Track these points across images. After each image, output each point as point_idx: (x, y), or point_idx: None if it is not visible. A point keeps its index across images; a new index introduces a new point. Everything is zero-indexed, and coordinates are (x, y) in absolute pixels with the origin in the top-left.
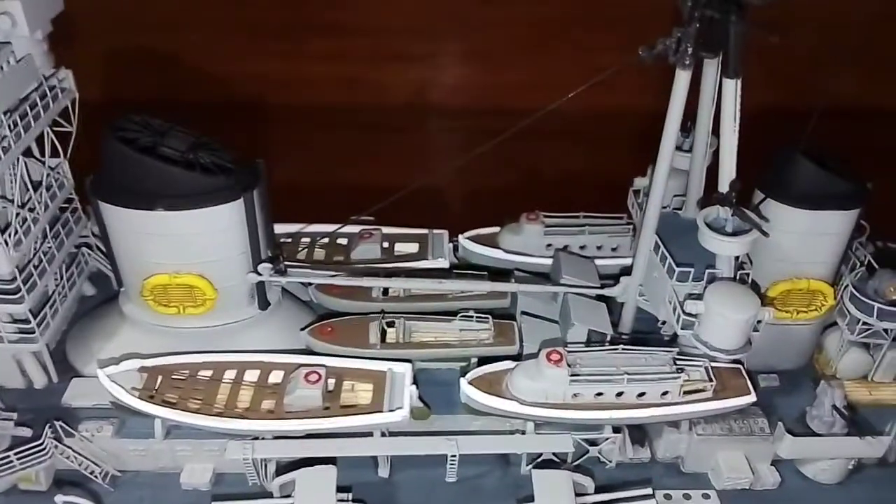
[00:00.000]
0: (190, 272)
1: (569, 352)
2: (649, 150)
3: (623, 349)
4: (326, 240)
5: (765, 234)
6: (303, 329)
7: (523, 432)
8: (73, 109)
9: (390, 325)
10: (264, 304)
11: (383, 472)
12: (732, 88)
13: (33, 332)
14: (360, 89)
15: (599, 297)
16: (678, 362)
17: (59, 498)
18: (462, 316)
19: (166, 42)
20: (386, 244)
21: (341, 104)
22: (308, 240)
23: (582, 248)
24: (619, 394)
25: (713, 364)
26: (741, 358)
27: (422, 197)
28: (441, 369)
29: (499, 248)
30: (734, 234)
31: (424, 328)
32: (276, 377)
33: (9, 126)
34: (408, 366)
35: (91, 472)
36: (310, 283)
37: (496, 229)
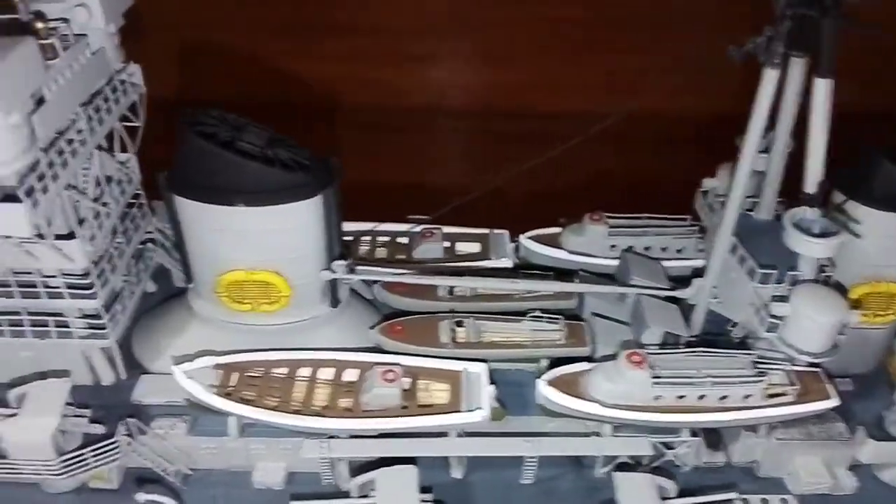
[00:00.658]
0: (266, 269)
1: (647, 353)
2: (707, 152)
3: (703, 352)
4: (387, 238)
5: (857, 235)
6: (372, 327)
7: (599, 434)
8: (142, 104)
9: (459, 324)
10: (335, 301)
11: (457, 472)
12: (824, 89)
13: (105, 328)
14: (375, 89)
15: (668, 299)
16: (759, 365)
17: (140, 496)
18: (532, 316)
19: (187, 40)
20: (447, 243)
21: (358, 104)
22: (368, 238)
23: (646, 249)
24: (702, 397)
25: (793, 367)
26: (826, 362)
27: (476, 198)
28: (511, 370)
29: (561, 248)
30: (821, 235)
31: (494, 328)
32: (350, 375)
33: (85, 119)
34: (483, 366)
35: (163, 470)
36: (376, 281)
37: (557, 230)
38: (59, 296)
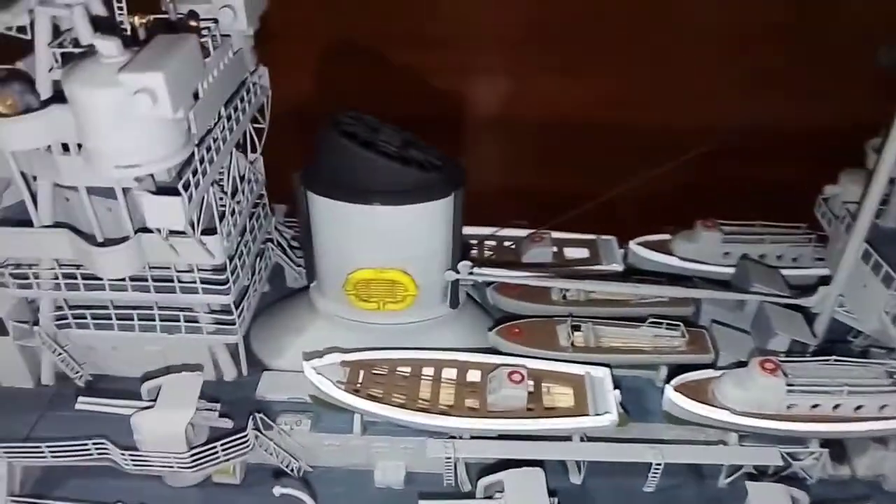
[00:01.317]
0: (394, 268)
1: (780, 361)
2: (815, 159)
3: (836, 360)
4: (493, 242)
5: None
6: (490, 329)
7: (725, 443)
8: (268, 106)
9: (576, 328)
10: (455, 302)
11: (575, 478)
12: None
13: (234, 324)
14: (449, 100)
15: (790, 307)
16: (893, 375)
17: (277, 489)
18: (651, 322)
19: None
20: (555, 248)
21: (434, 115)
22: (475, 243)
23: (761, 257)
24: (837, 406)
25: None
26: None
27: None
28: (628, 376)
29: (672, 254)
30: None
31: (612, 333)
32: (473, 376)
33: (226, 118)
34: (606, 370)
35: (287, 466)
36: (489, 284)
37: (666, 236)
38: (192, 291)
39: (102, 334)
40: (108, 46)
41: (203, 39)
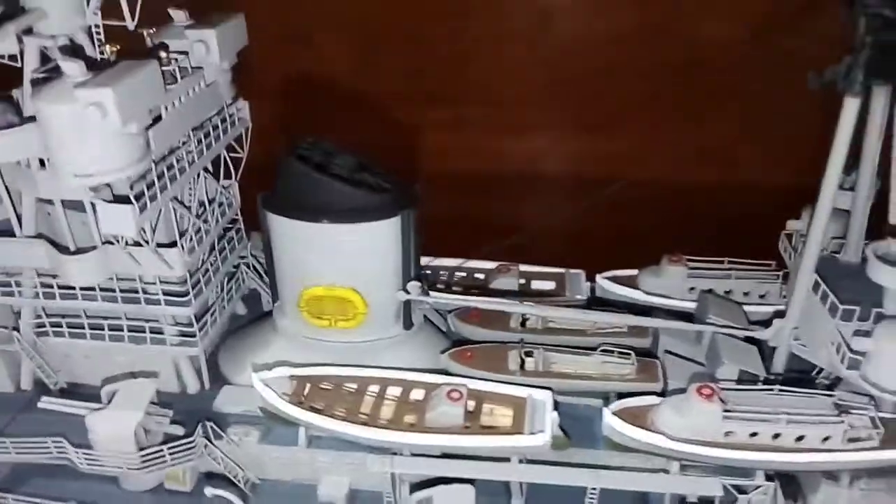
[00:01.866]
0: (344, 286)
1: (720, 388)
2: (793, 194)
3: (780, 390)
4: (464, 274)
5: None
6: (443, 352)
7: (667, 472)
8: (246, 137)
9: (528, 354)
10: (409, 323)
11: (517, 501)
12: None
13: (195, 336)
14: (479, 157)
15: (748, 341)
16: (840, 407)
17: (209, 490)
18: (603, 350)
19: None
20: (523, 281)
21: (462, 171)
22: (445, 272)
23: (727, 293)
24: (776, 436)
25: (880, 414)
26: None
27: (555, 239)
28: (580, 405)
29: (638, 289)
30: None
31: (563, 360)
32: (417, 395)
33: (195, 142)
34: (548, 393)
35: (235, 476)
36: (452, 311)
37: (634, 271)
38: (156, 302)
39: (76, 343)
40: (72, 67)
41: (169, 67)
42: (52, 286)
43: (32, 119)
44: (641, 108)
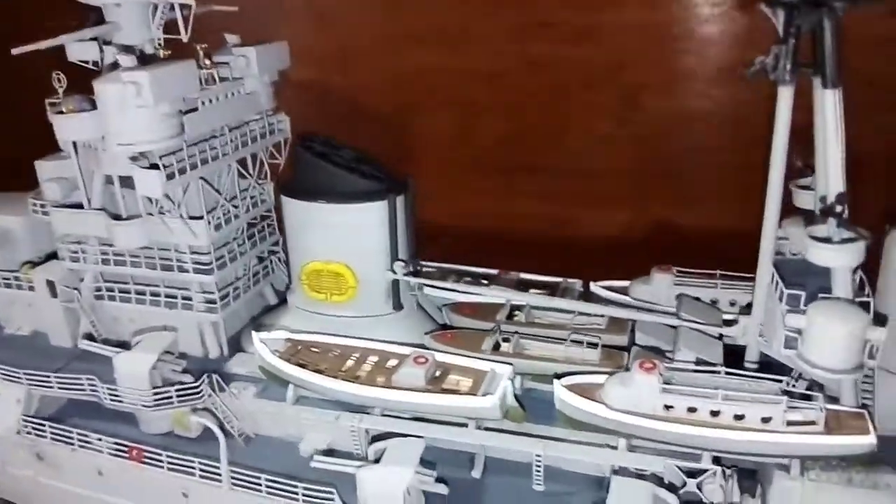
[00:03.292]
0: (338, 261)
1: (667, 367)
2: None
3: (726, 372)
4: (469, 278)
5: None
6: (427, 333)
7: (614, 448)
8: (284, 146)
9: (506, 340)
10: (398, 304)
11: (476, 472)
12: (832, 100)
13: (215, 304)
14: (566, 227)
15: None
16: (788, 393)
17: (194, 418)
18: (573, 340)
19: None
20: (521, 287)
21: (549, 239)
22: (454, 276)
23: (714, 302)
24: (715, 413)
25: (833, 406)
26: (850, 378)
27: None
28: (550, 391)
29: (628, 296)
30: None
31: (534, 346)
32: (392, 362)
33: (230, 138)
34: (509, 367)
35: (230, 425)
36: (446, 304)
37: (627, 282)
38: (186, 271)
39: (123, 306)
40: (126, 59)
41: (210, 71)
42: (108, 254)
43: None
44: (723, 186)
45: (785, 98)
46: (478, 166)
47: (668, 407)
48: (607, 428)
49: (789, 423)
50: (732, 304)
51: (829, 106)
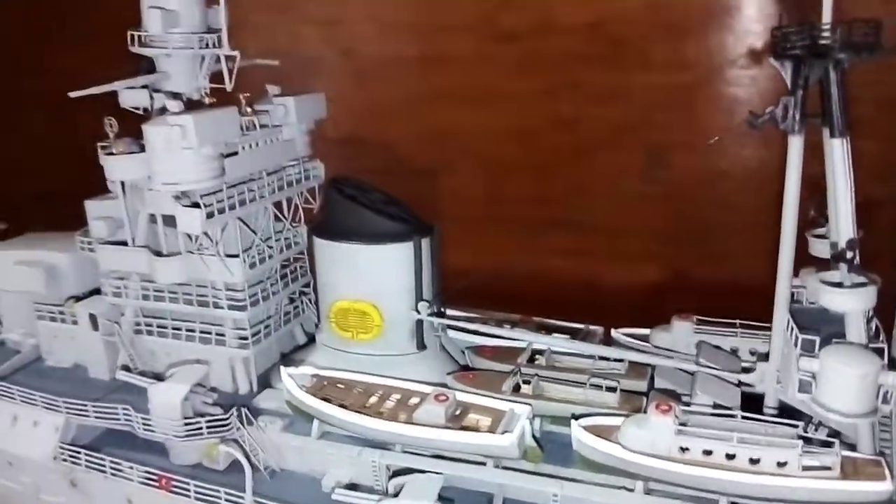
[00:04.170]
0: (365, 300)
1: (684, 410)
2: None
3: (742, 417)
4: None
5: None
6: (449, 373)
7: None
8: (318, 192)
9: (526, 382)
10: (421, 344)
11: None
12: (840, 148)
13: (247, 339)
14: (591, 281)
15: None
16: (804, 438)
17: (222, 447)
18: (592, 384)
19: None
20: (543, 331)
21: (573, 292)
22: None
23: (734, 350)
24: (731, 457)
25: (849, 453)
26: (864, 423)
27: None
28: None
29: (649, 343)
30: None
31: (554, 389)
32: (414, 400)
33: (268, 182)
34: (528, 407)
35: (257, 459)
36: (472, 346)
37: (648, 330)
38: (221, 307)
39: (160, 341)
40: (173, 104)
41: (250, 118)
42: (148, 290)
43: None
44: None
45: (795, 147)
46: (505, 221)
47: (683, 449)
48: (623, 469)
49: (805, 468)
50: (752, 353)
51: (837, 154)
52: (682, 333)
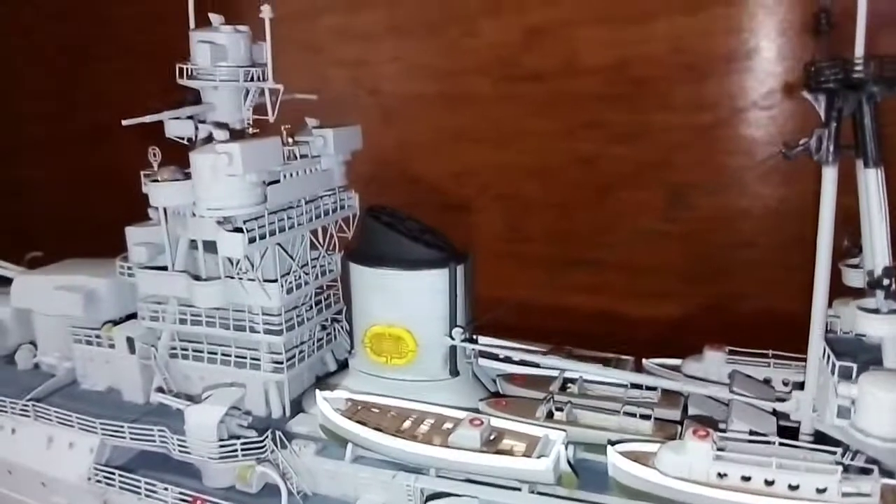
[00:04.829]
0: (400, 325)
1: (721, 437)
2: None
3: (780, 443)
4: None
5: None
6: (481, 400)
7: None
8: (352, 221)
9: (559, 409)
10: (454, 370)
11: None
12: (874, 178)
13: (282, 364)
14: (615, 321)
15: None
16: (843, 465)
17: (259, 468)
18: (625, 412)
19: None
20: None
21: (595, 328)
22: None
23: (766, 380)
24: (770, 483)
25: (889, 481)
26: None
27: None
28: (605, 462)
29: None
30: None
31: (587, 416)
32: (448, 425)
33: (305, 210)
34: (562, 433)
35: (291, 483)
36: (501, 376)
37: (679, 360)
38: (256, 331)
39: (195, 365)
40: (220, 133)
41: (292, 148)
42: (185, 314)
43: None
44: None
45: (829, 178)
46: (526, 259)
47: (721, 475)
48: (660, 495)
49: (845, 495)
50: (785, 383)
51: (871, 184)
52: (714, 363)
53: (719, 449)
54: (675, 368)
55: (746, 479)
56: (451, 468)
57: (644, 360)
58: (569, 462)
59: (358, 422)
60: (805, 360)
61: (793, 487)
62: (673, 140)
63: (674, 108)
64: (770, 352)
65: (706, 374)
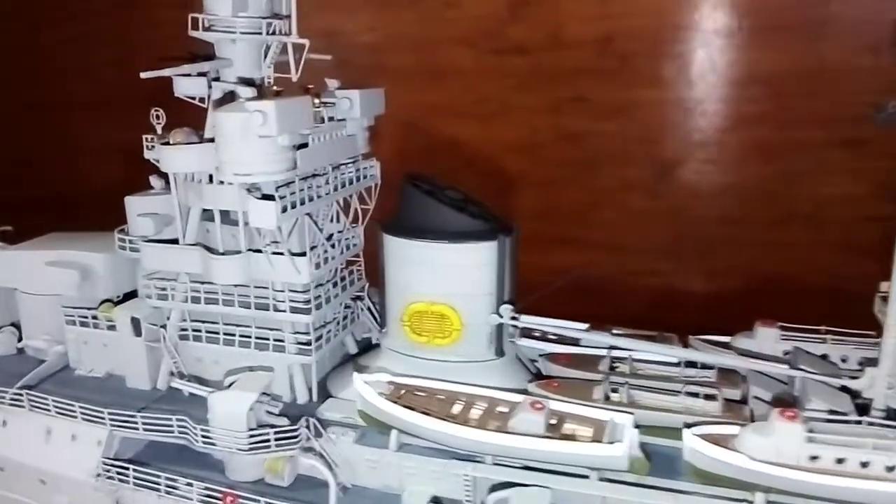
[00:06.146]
0: (443, 303)
1: (805, 417)
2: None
3: (869, 422)
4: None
5: None
6: (530, 381)
7: (751, 503)
8: (375, 191)
9: (615, 390)
10: (500, 350)
11: None
12: None
13: (309, 345)
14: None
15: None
16: None
17: (304, 457)
18: (688, 393)
19: None
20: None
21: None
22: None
23: (823, 357)
24: (865, 464)
25: None
26: None
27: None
28: (666, 446)
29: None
30: None
31: (647, 398)
32: (502, 408)
33: (331, 178)
34: (630, 416)
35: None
36: (542, 355)
37: (727, 338)
38: (282, 311)
39: (208, 347)
40: (246, 91)
41: (319, 110)
42: (199, 291)
43: (210, 142)
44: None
45: None
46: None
47: (813, 458)
48: (745, 480)
49: None
50: (844, 360)
51: None
52: (767, 340)
53: (809, 430)
54: (724, 346)
55: (841, 461)
56: (511, 455)
57: (691, 338)
58: (641, 447)
59: (404, 406)
60: (862, 335)
61: (890, 469)
62: (660, 115)
63: (660, 84)
64: (823, 328)
65: (760, 350)
